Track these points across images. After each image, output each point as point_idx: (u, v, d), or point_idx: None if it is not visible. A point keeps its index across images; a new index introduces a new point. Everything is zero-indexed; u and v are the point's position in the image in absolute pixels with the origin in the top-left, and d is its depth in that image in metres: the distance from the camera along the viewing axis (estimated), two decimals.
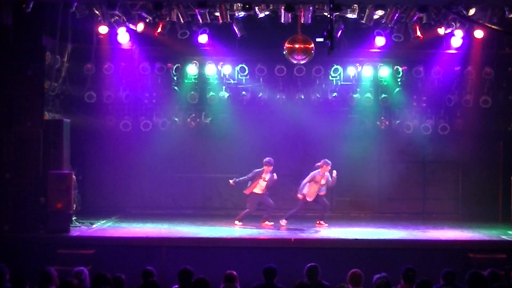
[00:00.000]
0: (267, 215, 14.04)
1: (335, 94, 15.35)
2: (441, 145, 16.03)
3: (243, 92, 15.31)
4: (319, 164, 13.80)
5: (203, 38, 13.88)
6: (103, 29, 13.49)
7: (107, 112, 15.54)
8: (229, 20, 13.01)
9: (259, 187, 13.89)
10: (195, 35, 13.82)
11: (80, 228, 13.03)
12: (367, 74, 15.16)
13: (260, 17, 13.07)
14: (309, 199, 13.79)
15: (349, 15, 13.11)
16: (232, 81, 15.34)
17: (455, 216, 15.87)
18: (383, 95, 15.33)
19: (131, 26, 13.36)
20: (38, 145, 12.35)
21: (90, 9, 12.70)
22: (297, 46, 12.43)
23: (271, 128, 15.88)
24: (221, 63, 15.09)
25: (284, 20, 12.84)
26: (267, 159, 13.91)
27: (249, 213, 13.99)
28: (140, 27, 13.37)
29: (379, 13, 12.72)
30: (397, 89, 15.32)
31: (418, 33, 13.50)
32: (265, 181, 13.86)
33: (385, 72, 15.15)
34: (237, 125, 15.91)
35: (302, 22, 12.74)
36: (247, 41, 14.15)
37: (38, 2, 11.95)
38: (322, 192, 13.88)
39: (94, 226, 13.46)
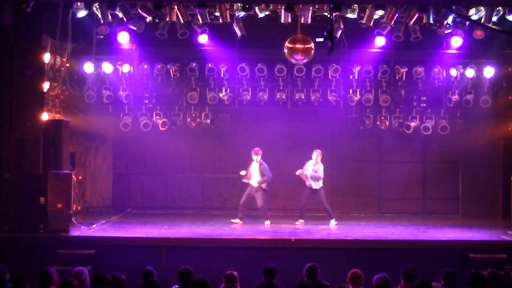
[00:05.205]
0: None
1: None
2: (441, 145, 16.02)
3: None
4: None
5: (203, 38, 13.86)
6: (104, 29, 13.50)
7: (107, 112, 15.55)
8: (229, 20, 13.01)
9: None
10: (195, 35, 13.81)
11: (80, 228, 13.03)
12: (367, 73, 15.15)
13: (260, 17, 13.07)
14: None
15: (349, 15, 13.12)
16: (232, 81, 15.34)
17: (455, 216, 15.87)
18: (383, 95, 15.34)
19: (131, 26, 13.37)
20: (38, 145, 12.31)
21: (90, 9, 12.69)
22: (297, 46, 12.40)
23: (271, 128, 15.87)
24: (221, 63, 15.10)
25: (284, 20, 12.85)
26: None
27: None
28: None
29: (379, 13, 12.73)
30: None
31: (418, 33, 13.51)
32: None
33: (385, 71, 15.15)
34: (237, 125, 15.91)
35: (302, 22, 12.74)
36: (247, 41, 14.14)
37: (38, 2, 11.95)
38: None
39: (94, 226, 13.45)
